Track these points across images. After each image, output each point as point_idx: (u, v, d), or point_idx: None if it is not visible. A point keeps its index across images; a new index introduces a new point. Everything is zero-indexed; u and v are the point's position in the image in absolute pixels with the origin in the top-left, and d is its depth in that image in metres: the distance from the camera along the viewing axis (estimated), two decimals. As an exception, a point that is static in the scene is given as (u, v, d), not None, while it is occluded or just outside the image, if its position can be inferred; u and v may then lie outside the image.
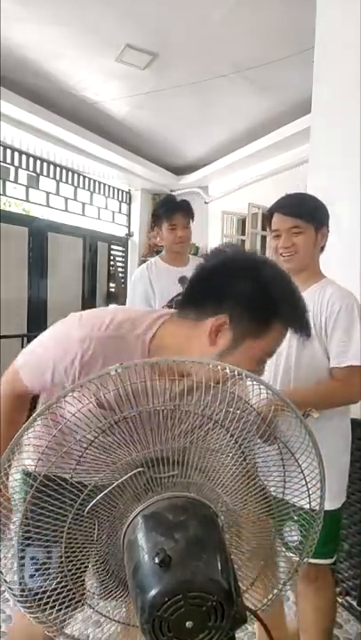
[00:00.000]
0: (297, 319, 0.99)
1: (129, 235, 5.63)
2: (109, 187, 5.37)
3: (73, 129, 3.91)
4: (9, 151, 4.08)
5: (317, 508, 0.90)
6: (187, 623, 0.60)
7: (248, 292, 0.91)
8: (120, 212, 5.59)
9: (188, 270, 2.38)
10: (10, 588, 0.82)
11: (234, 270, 0.95)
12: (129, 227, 5.67)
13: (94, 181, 5.12)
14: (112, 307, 1.68)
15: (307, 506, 0.90)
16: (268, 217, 1.57)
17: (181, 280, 2.36)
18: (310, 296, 1.48)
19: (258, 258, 1.02)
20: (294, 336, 1.44)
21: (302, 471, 0.87)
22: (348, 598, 1.86)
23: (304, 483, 0.89)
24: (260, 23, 2.69)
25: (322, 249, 1.58)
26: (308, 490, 0.89)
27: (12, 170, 4.15)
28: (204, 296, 0.95)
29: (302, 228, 1.49)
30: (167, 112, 3.93)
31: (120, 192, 5.57)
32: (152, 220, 2.51)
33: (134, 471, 0.78)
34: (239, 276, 0.93)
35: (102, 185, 5.26)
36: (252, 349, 0.93)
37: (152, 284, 2.32)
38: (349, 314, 1.42)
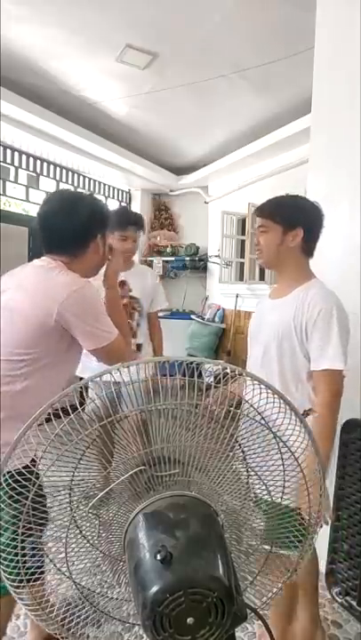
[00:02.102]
0: None
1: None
2: (109, 187, 5.38)
3: (73, 129, 3.91)
4: (9, 151, 4.09)
5: (317, 507, 0.90)
6: (187, 620, 0.61)
7: None
8: (120, 211, 5.60)
9: (127, 274, 2.43)
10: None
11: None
12: (129, 227, 5.68)
13: (94, 181, 5.13)
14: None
15: (306, 505, 0.90)
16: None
17: (121, 284, 2.34)
18: (294, 298, 1.52)
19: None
20: (275, 341, 1.46)
21: (302, 470, 0.88)
22: (348, 598, 1.86)
23: (304, 482, 0.89)
24: (260, 23, 2.69)
25: (310, 251, 1.60)
26: (307, 489, 0.89)
27: (12, 170, 4.15)
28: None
29: (267, 228, 1.56)
30: (167, 112, 3.94)
31: (120, 192, 5.57)
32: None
33: (135, 469, 0.78)
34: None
35: (102, 185, 5.26)
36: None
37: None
38: (328, 317, 1.44)
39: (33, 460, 0.75)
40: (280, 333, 1.50)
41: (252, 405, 0.86)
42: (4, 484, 0.75)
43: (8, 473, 0.74)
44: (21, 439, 0.74)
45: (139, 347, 2.51)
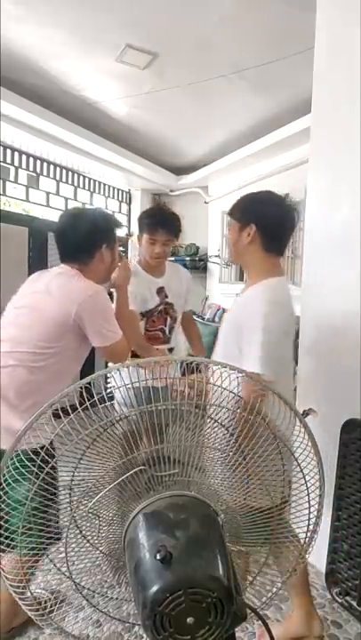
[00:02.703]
0: None
1: (129, 235, 5.63)
2: (109, 187, 5.38)
3: (73, 129, 3.90)
4: (9, 151, 4.08)
5: (316, 506, 0.90)
6: (187, 619, 0.61)
7: None
8: (120, 211, 5.60)
9: (166, 279, 2.36)
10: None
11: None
12: (129, 227, 5.67)
13: (94, 181, 5.12)
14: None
15: (306, 504, 0.90)
16: None
17: (159, 291, 2.33)
18: (243, 297, 1.54)
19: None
20: (225, 339, 1.53)
21: (302, 470, 0.88)
22: (348, 598, 1.86)
23: (303, 482, 0.89)
24: (260, 23, 2.69)
25: (274, 248, 1.55)
26: (307, 489, 0.89)
27: (12, 170, 4.15)
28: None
29: (230, 226, 1.61)
30: (167, 112, 3.93)
31: (120, 192, 5.57)
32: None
33: (135, 469, 0.78)
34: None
35: (102, 185, 5.26)
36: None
37: (135, 293, 2.18)
38: (253, 322, 1.40)
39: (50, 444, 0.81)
40: (228, 332, 1.53)
41: (252, 406, 0.86)
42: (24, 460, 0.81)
43: (23, 452, 0.79)
44: (26, 432, 0.74)
45: (170, 351, 2.42)
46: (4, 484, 0.80)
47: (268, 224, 1.53)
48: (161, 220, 2.26)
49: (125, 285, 1.97)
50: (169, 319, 2.39)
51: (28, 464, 0.80)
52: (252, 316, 1.41)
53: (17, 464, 0.80)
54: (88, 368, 2.77)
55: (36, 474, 0.79)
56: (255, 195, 1.62)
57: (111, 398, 0.86)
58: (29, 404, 1.49)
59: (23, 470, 0.81)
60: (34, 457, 0.81)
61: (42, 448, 0.80)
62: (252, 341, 1.38)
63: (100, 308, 1.60)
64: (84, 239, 1.68)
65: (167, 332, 2.39)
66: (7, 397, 1.50)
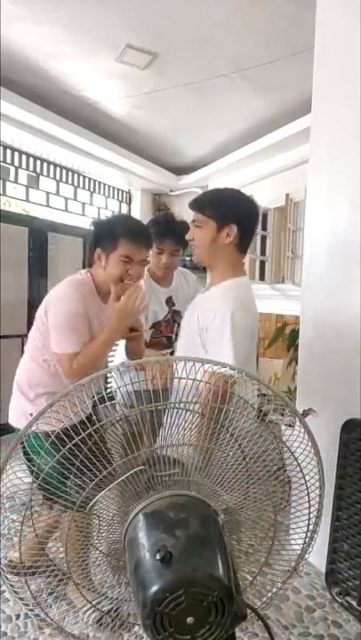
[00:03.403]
0: None
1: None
2: (109, 187, 5.37)
3: (73, 129, 3.90)
4: (9, 151, 4.08)
5: (316, 506, 0.90)
6: (187, 619, 0.61)
7: None
8: (120, 212, 5.60)
9: (173, 288, 2.32)
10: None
11: None
12: (129, 227, 5.68)
13: (94, 181, 5.12)
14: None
15: (306, 504, 0.90)
16: None
17: (168, 301, 2.30)
18: (208, 295, 1.54)
19: None
20: (186, 337, 1.53)
21: (301, 470, 0.88)
22: (348, 598, 1.86)
23: (303, 482, 0.89)
24: (260, 23, 2.69)
25: (244, 248, 1.56)
26: (307, 489, 0.89)
27: (12, 170, 4.15)
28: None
29: (200, 223, 1.52)
30: (167, 112, 3.93)
31: (120, 192, 5.57)
32: None
33: (136, 469, 0.78)
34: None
35: (102, 185, 5.26)
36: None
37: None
38: (221, 323, 1.39)
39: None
40: (190, 330, 1.50)
41: (252, 405, 0.86)
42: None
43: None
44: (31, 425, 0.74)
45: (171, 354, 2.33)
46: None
47: (247, 225, 1.53)
48: (168, 230, 2.18)
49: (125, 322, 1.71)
50: (176, 326, 2.36)
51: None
52: (217, 320, 1.39)
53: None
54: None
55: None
56: (231, 192, 1.59)
57: (111, 398, 0.86)
58: (39, 392, 1.70)
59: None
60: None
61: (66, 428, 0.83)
62: (220, 346, 1.36)
63: (54, 314, 1.63)
64: (91, 242, 1.77)
65: (173, 338, 2.38)
66: (22, 387, 1.75)
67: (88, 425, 0.79)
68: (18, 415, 1.75)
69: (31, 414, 1.63)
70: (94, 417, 0.82)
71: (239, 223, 1.50)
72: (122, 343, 1.94)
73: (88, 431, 0.77)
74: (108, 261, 1.69)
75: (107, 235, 1.70)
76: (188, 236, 1.58)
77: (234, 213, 1.50)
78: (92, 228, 1.77)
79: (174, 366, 0.86)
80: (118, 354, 2.36)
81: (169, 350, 2.39)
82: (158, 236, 2.15)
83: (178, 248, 2.20)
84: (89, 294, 1.70)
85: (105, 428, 0.80)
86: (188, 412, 0.85)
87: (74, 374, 1.56)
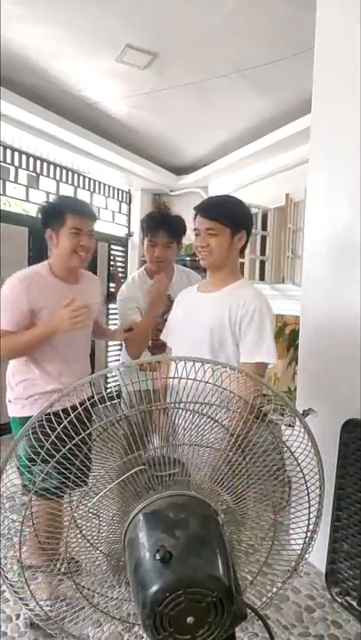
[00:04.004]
0: None
1: (129, 235, 5.63)
2: (109, 187, 5.38)
3: (73, 129, 3.90)
4: (9, 151, 4.08)
5: (316, 506, 0.90)
6: (187, 619, 0.61)
7: None
8: (120, 211, 5.60)
9: (173, 287, 2.25)
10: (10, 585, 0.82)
11: None
12: (129, 227, 5.67)
13: (94, 181, 5.12)
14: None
15: (306, 504, 0.90)
16: (193, 216, 1.69)
17: (168, 298, 2.23)
18: (228, 294, 1.62)
19: None
20: (208, 332, 1.58)
21: (301, 470, 0.88)
22: (348, 598, 1.86)
23: (303, 482, 0.89)
24: (260, 23, 2.69)
25: (242, 251, 1.69)
26: (307, 489, 0.89)
27: (12, 170, 4.15)
28: None
29: (217, 231, 1.60)
30: (167, 112, 3.93)
31: (120, 192, 5.57)
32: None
33: (135, 469, 0.78)
34: None
35: (102, 185, 5.26)
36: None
37: (139, 305, 2.17)
38: (262, 315, 1.54)
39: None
40: (213, 325, 1.58)
41: (252, 405, 0.86)
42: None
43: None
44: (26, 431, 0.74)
45: None
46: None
47: (250, 230, 1.68)
48: (160, 222, 2.21)
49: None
50: None
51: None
52: (258, 312, 1.53)
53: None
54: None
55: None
56: (236, 200, 1.70)
57: (111, 398, 0.86)
58: (18, 380, 1.80)
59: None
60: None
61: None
62: (264, 334, 1.53)
63: None
64: (41, 227, 1.84)
65: None
66: (8, 377, 1.85)
67: (60, 416, 0.80)
68: (6, 404, 1.87)
69: (10, 401, 1.85)
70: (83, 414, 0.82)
71: (247, 229, 1.65)
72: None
73: (63, 424, 0.77)
74: (59, 238, 1.81)
75: (53, 214, 1.80)
76: (199, 243, 1.64)
77: (244, 221, 1.65)
78: (39, 214, 1.85)
79: (175, 366, 0.86)
80: (123, 354, 2.36)
81: None
82: (152, 229, 2.18)
83: (171, 240, 2.20)
84: (42, 282, 1.78)
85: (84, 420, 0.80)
86: (189, 412, 0.85)
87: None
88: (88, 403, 0.81)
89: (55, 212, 1.80)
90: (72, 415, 0.80)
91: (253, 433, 0.88)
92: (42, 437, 0.80)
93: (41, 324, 1.73)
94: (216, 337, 1.57)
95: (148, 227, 2.21)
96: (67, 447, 0.79)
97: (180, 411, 0.85)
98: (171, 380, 0.83)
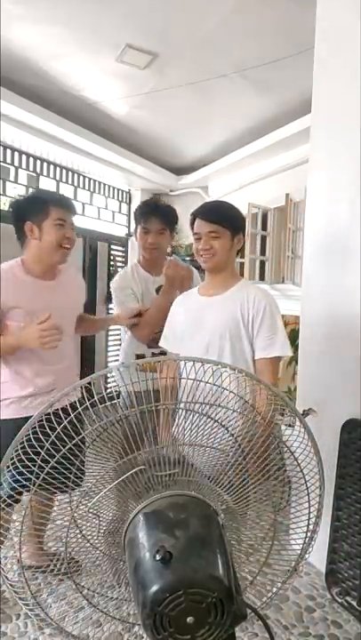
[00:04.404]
0: None
1: (129, 235, 5.63)
2: (109, 187, 5.38)
3: (73, 129, 3.90)
4: (9, 151, 4.08)
5: (316, 506, 0.90)
6: (187, 619, 0.61)
7: None
8: (120, 211, 5.60)
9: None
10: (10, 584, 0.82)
11: None
12: (129, 227, 5.67)
13: (94, 181, 5.12)
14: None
15: (306, 504, 0.90)
16: (190, 221, 1.74)
17: (158, 290, 2.28)
18: (234, 295, 1.68)
19: None
20: (222, 333, 1.62)
21: (301, 470, 0.88)
22: (348, 598, 1.86)
23: (303, 482, 0.89)
24: (260, 23, 2.69)
25: (238, 253, 1.78)
26: (307, 489, 0.89)
27: (12, 170, 4.15)
28: None
29: (219, 233, 1.67)
30: (167, 112, 3.93)
31: (120, 192, 5.57)
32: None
33: (135, 469, 0.78)
34: None
35: (102, 185, 5.26)
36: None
37: (134, 293, 2.21)
38: (272, 311, 1.64)
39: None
40: (226, 326, 1.64)
41: (251, 405, 0.86)
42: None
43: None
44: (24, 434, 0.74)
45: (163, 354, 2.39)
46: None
47: (245, 232, 1.77)
48: (153, 209, 2.25)
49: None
50: None
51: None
52: (269, 310, 1.62)
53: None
54: (88, 369, 2.76)
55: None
56: (232, 205, 1.77)
57: (111, 398, 0.86)
58: (4, 378, 1.73)
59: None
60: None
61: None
62: (277, 330, 1.62)
63: None
64: (13, 222, 1.79)
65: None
66: None
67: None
68: None
69: None
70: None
71: (243, 232, 1.74)
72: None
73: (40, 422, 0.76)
74: (42, 230, 1.74)
75: (34, 206, 1.74)
76: (202, 246, 1.69)
77: (241, 224, 1.75)
78: (13, 208, 1.80)
79: (182, 366, 0.86)
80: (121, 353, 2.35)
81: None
82: (145, 216, 2.23)
83: (164, 227, 2.23)
84: (14, 280, 1.73)
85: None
86: (189, 413, 0.85)
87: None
88: (82, 407, 0.81)
89: (37, 204, 1.74)
90: (66, 419, 0.80)
91: (253, 433, 0.88)
92: (42, 438, 0.80)
93: (9, 333, 1.68)
94: (233, 339, 1.63)
95: (140, 214, 2.26)
96: (67, 447, 0.79)
97: (181, 411, 0.85)
98: (171, 380, 0.83)
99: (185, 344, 1.73)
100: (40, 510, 0.89)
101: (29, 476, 0.81)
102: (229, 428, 0.87)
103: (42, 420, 0.78)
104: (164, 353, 2.35)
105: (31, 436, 0.78)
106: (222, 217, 1.68)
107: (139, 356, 2.28)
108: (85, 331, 2.16)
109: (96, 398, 0.82)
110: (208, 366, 0.82)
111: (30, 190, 4.20)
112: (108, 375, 0.91)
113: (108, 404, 0.83)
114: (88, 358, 4.54)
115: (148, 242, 2.22)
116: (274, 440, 0.88)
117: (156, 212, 2.23)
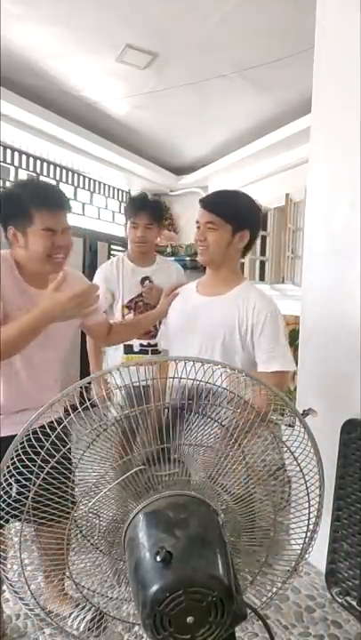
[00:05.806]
0: None
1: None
2: (109, 187, 5.38)
3: (73, 129, 3.91)
4: (9, 151, 4.09)
5: (316, 506, 0.90)
6: (187, 619, 0.61)
7: None
8: (120, 212, 5.59)
9: (154, 271, 2.39)
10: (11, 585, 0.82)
11: None
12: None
13: (94, 181, 5.13)
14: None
15: (306, 504, 0.90)
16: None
17: (143, 280, 2.35)
18: (233, 299, 1.52)
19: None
20: (218, 338, 1.50)
21: (301, 470, 0.88)
22: (348, 598, 1.86)
23: (303, 482, 0.89)
24: (260, 23, 2.69)
25: (246, 252, 1.61)
26: (307, 489, 0.89)
27: (12, 170, 4.15)
28: None
29: (216, 225, 1.51)
30: (167, 112, 3.94)
31: (120, 192, 5.57)
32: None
33: (135, 469, 0.78)
34: None
35: (102, 185, 5.26)
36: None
37: (118, 283, 2.31)
38: (275, 322, 1.47)
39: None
40: (223, 331, 1.49)
41: (251, 405, 0.86)
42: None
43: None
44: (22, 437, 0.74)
45: (156, 352, 2.31)
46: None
47: (255, 232, 1.58)
48: (141, 204, 2.35)
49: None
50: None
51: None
52: (270, 319, 1.47)
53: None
54: (87, 369, 2.75)
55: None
56: (245, 197, 1.60)
57: (109, 399, 0.85)
58: None
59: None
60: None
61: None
62: (278, 342, 1.47)
63: None
64: None
65: (157, 324, 2.34)
66: None
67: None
68: None
69: None
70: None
71: (251, 229, 1.54)
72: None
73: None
74: (27, 239, 1.37)
75: (15, 209, 1.37)
76: (197, 237, 1.56)
77: (249, 219, 1.55)
78: None
79: (175, 366, 0.86)
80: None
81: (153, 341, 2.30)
82: (133, 210, 2.32)
83: (152, 222, 2.31)
84: (5, 272, 1.39)
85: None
86: (189, 412, 0.85)
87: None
88: (74, 416, 0.80)
89: (18, 207, 1.36)
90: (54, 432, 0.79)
91: (253, 433, 0.88)
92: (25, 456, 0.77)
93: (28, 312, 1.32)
94: (226, 345, 1.49)
95: (129, 209, 2.36)
96: (45, 471, 0.79)
97: (181, 410, 0.85)
98: (171, 380, 0.83)
99: (179, 346, 1.62)
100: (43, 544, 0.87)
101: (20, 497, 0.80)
102: (223, 422, 0.87)
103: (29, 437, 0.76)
104: (152, 346, 2.35)
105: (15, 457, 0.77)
106: (223, 208, 1.50)
107: (127, 347, 2.33)
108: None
109: (96, 398, 0.82)
110: (208, 366, 0.82)
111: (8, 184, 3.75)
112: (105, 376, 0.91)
113: (108, 403, 0.83)
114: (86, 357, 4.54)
115: (137, 236, 2.31)
116: (274, 440, 0.88)
117: (145, 208, 2.32)
